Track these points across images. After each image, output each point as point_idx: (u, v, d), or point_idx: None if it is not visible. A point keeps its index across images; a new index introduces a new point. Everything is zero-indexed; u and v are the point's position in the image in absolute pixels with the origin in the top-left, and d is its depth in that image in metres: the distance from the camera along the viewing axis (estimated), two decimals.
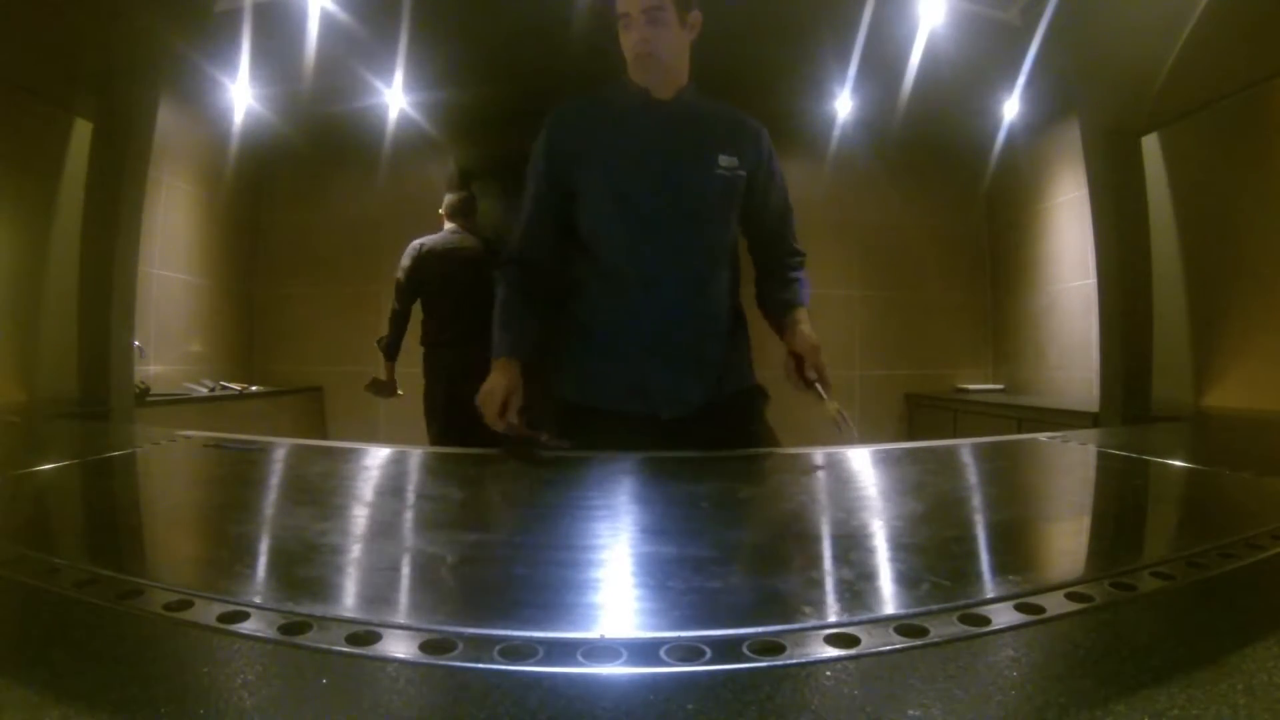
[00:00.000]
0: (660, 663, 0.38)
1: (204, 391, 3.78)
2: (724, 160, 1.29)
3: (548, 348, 1.31)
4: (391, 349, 3.03)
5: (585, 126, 1.30)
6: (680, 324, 1.29)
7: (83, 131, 2.93)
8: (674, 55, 1.26)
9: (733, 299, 1.38)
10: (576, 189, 1.29)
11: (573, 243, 1.34)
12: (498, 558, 0.61)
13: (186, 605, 0.45)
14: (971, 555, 0.63)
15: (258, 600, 0.46)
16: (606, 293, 1.31)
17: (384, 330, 3.04)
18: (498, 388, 1.16)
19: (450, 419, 2.83)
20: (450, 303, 2.89)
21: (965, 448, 1.26)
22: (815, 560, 0.62)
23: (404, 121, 4.28)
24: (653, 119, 1.29)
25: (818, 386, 1.22)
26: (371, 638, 0.41)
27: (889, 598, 0.49)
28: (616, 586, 0.53)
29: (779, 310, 1.35)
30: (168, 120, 3.47)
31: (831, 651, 0.39)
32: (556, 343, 1.38)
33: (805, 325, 1.30)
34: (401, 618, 0.45)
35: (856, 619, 0.43)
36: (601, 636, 0.41)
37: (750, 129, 1.35)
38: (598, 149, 1.28)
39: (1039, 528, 0.76)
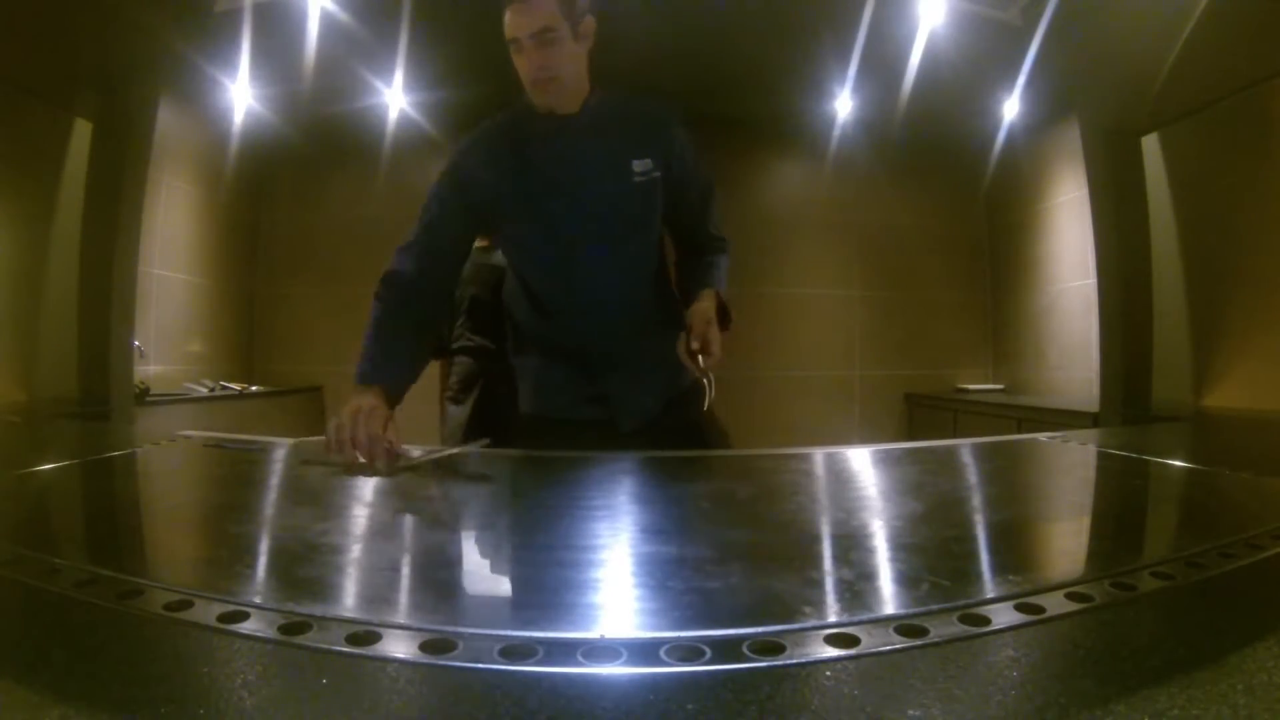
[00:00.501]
0: (660, 663, 0.38)
1: (204, 391, 3.78)
2: (638, 166, 1.27)
3: (418, 372, 1.27)
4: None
5: (495, 155, 1.27)
6: (621, 332, 1.31)
7: (83, 131, 2.93)
8: (571, 73, 1.22)
9: (666, 297, 1.37)
10: (491, 217, 1.29)
11: (509, 263, 1.37)
12: (497, 557, 0.61)
13: (186, 605, 0.45)
14: (971, 555, 0.63)
15: (258, 600, 0.46)
16: (542, 312, 1.33)
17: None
18: (346, 416, 1.06)
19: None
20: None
21: (965, 448, 1.26)
22: (815, 560, 0.62)
23: (404, 121, 4.28)
24: (561, 136, 1.26)
25: (699, 359, 1.19)
26: (371, 638, 0.41)
27: (889, 598, 0.49)
28: (616, 586, 0.53)
29: (691, 293, 1.32)
30: (168, 120, 3.47)
31: (831, 651, 0.39)
32: (514, 358, 1.41)
33: (705, 301, 1.26)
34: (401, 618, 0.45)
35: (856, 619, 0.43)
36: (601, 636, 0.41)
37: (659, 123, 1.32)
38: (511, 175, 1.26)
39: (1039, 528, 0.76)
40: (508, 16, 1.15)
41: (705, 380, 1.19)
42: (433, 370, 5.18)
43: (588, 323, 1.30)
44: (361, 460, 1.01)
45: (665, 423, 1.32)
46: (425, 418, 4.83)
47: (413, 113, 4.24)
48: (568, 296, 1.31)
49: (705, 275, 1.34)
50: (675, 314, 1.33)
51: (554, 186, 1.26)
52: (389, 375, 1.20)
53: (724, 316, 1.28)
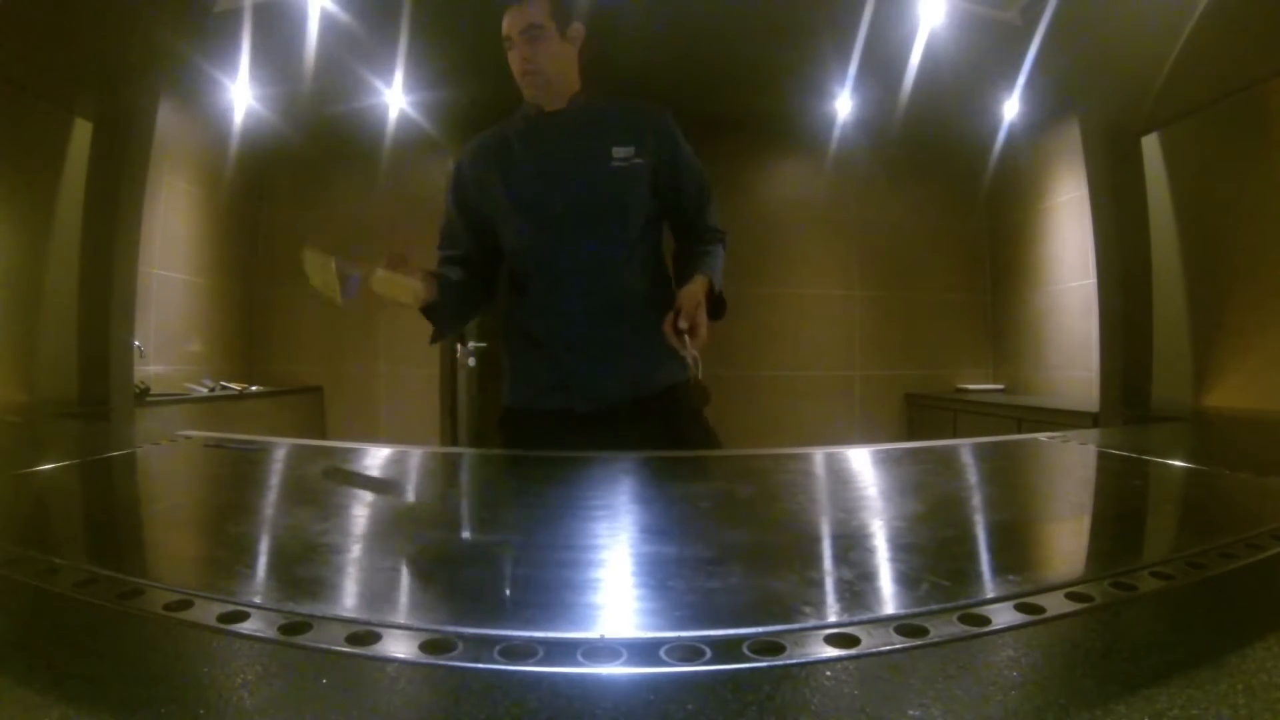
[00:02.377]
0: (660, 663, 0.38)
1: (204, 391, 3.78)
2: (618, 152, 1.32)
3: (469, 301, 1.38)
4: None
5: (487, 155, 1.38)
6: (591, 318, 1.33)
7: (83, 131, 2.93)
8: (557, 69, 1.30)
9: (656, 290, 1.36)
10: (488, 214, 1.37)
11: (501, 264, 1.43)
12: (497, 558, 0.61)
13: (186, 605, 0.45)
14: (971, 555, 0.63)
15: (258, 600, 0.46)
16: (525, 299, 1.37)
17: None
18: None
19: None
20: None
21: (965, 448, 1.26)
22: (815, 560, 0.62)
23: (404, 121, 4.28)
24: (546, 130, 1.34)
25: (686, 338, 1.19)
26: (371, 638, 0.41)
27: (889, 598, 0.49)
28: (616, 586, 0.53)
29: (684, 279, 1.32)
30: (168, 120, 3.46)
31: (831, 651, 0.39)
32: (503, 355, 1.45)
33: (695, 284, 1.26)
34: (401, 618, 0.45)
35: (856, 619, 0.43)
36: (601, 636, 0.41)
37: (649, 116, 1.37)
38: (500, 171, 1.35)
39: (1039, 528, 0.76)
40: (504, 18, 1.27)
41: (691, 361, 1.19)
42: (433, 370, 5.16)
43: (556, 303, 1.34)
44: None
45: (634, 413, 1.32)
46: (425, 419, 4.83)
47: (413, 113, 4.24)
48: (538, 276, 1.35)
49: (698, 262, 1.34)
50: (661, 305, 1.28)
51: (534, 174, 1.33)
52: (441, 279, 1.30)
53: (718, 305, 1.29)
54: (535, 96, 1.32)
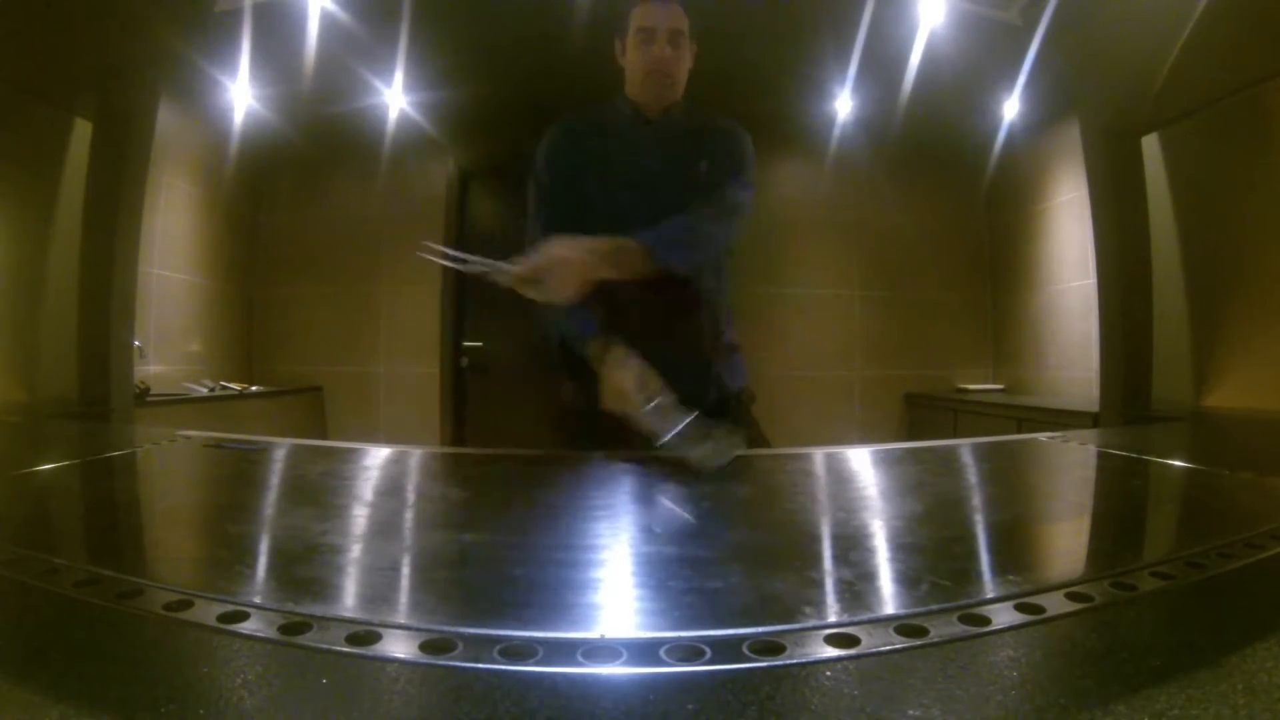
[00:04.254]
0: (660, 663, 0.38)
1: (204, 391, 3.77)
2: (704, 167, 1.32)
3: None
4: None
5: (577, 144, 1.35)
6: (666, 339, 1.30)
7: (83, 131, 2.93)
8: (680, 77, 1.31)
9: (718, 308, 1.39)
10: (571, 200, 1.32)
11: None
12: (498, 558, 0.61)
13: (186, 605, 0.45)
14: (971, 555, 0.63)
15: (258, 600, 0.46)
16: (597, 308, 1.32)
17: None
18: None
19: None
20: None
21: (965, 448, 1.26)
22: (815, 560, 0.62)
23: (404, 121, 4.27)
24: (641, 137, 1.34)
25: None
26: (371, 638, 0.41)
27: (889, 598, 0.49)
28: (616, 586, 0.53)
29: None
30: (168, 120, 3.46)
31: (831, 651, 0.39)
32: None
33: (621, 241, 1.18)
34: (401, 618, 0.45)
35: (856, 619, 0.43)
36: (601, 636, 0.41)
37: (734, 138, 1.37)
38: (588, 167, 1.32)
39: (1039, 528, 0.76)
40: (647, 7, 1.27)
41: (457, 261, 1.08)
42: (433, 370, 5.15)
43: (638, 316, 1.28)
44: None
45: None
46: (425, 419, 4.81)
47: (413, 113, 4.24)
48: (621, 286, 1.28)
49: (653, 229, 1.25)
50: (727, 332, 1.39)
51: (624, 181, 1.31)
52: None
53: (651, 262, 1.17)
54: (648, 96, 1.31)
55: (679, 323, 1.34)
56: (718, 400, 1.36)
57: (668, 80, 1.29)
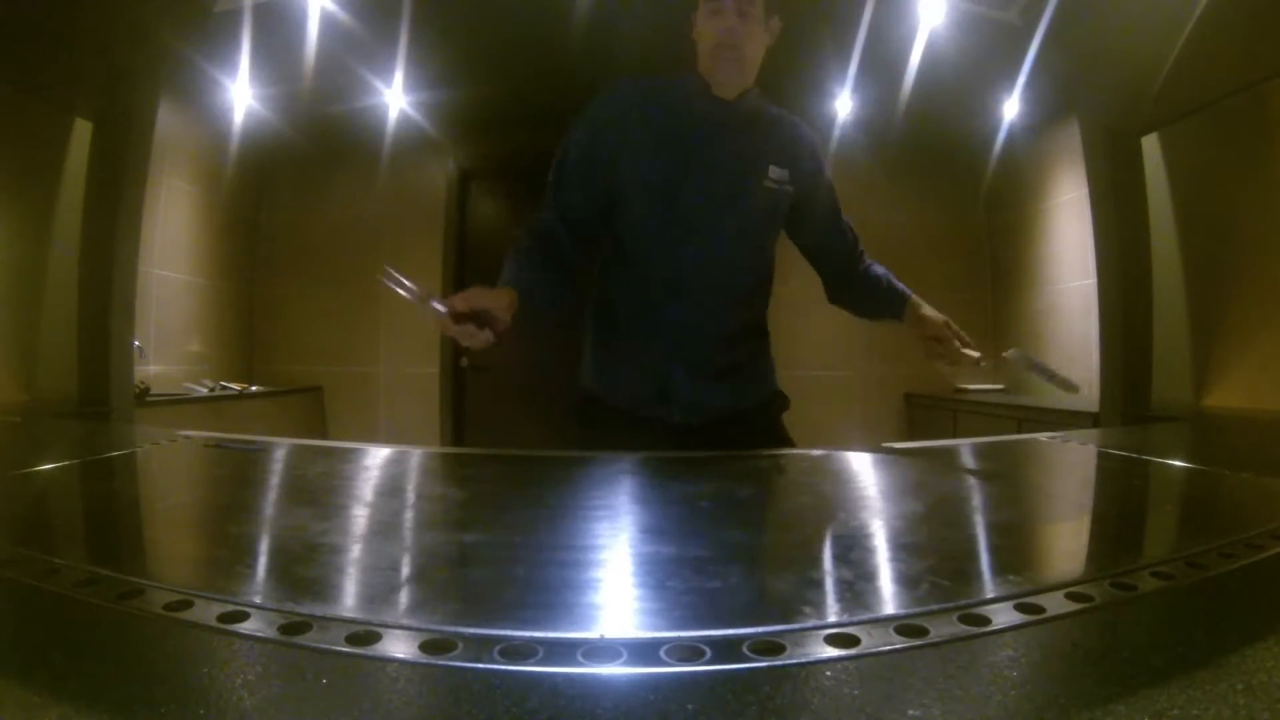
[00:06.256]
0: (660, 663, 0.38)
1: (204, 391, 3.77)
2: (774, 173, 1.25)
3: (550, 296, 1.15)
4: None
5: (638, 108, 1.23)
6: (708, 334, 1.27)
7: (83, 131, 2.93)
8: (753, 54, 1.20)
9: (761, 311, 1.38)
10: (615, 172, 1.22)
11: (606, 233, 1.30)
12: (498, 558, 0.61)
13: (186, 605, 0.45)
14: (971, 555, 0.63)
15: (258, 600, 0.46)
16: (636, 291, 1.28)
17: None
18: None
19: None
20: None
21: (965, 448, 1.26)
22: (815, 560, 0.62)
23: (404, 121, 4.28)
24: (710, 117, 1.22)
25: (969, 351, 1.25)
26: (371, 638, 0.41)
27: (889, 598, 0.49)
28: (616, 586, 0.53)
29: (892, 304, 1.38)
30: (168, 120, 3.46)
31: (831, 651, 0.39)
32: (584, 331, 1.37)
33: (927, 308, 1.34)
34: (401, 618, 0.45)
35: (856, 619, 0.43)
36: (601, 636, 0.41)
37: (808, 142, 1.32)
38: (646, 136, 1.21)
39: (1039, 528, 0.76)
40: None
41: (979, 365, 1.26)
42: (433, 370, 5.16)
43: (669, 305, 1.25)
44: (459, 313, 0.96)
45: (728, 425, 1.30)
46: (425, 419, 4.82)
47: (413, 113, 4.24)
48: (656, 269, 1.25)
49: (895, 284, 1.40)
50: (764, 335, 1.40)
51: (686, 162, 1.21)
52: (518, 282, 1.09)
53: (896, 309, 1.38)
54: (718, 74, 1.19)
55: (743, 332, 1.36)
56: (744, 406, 1.35)
57: (735, 53, 1.16)
